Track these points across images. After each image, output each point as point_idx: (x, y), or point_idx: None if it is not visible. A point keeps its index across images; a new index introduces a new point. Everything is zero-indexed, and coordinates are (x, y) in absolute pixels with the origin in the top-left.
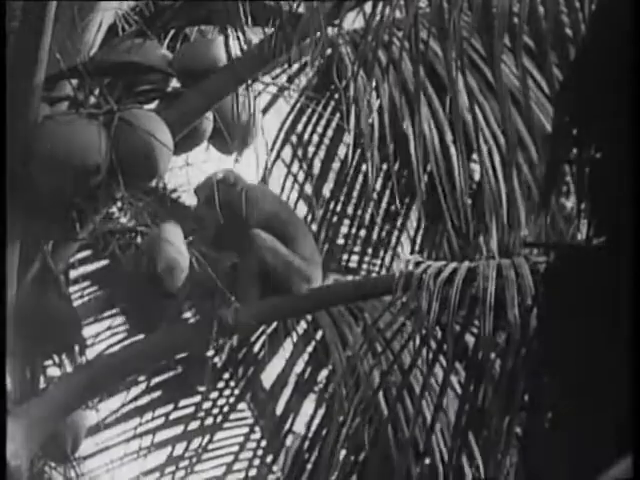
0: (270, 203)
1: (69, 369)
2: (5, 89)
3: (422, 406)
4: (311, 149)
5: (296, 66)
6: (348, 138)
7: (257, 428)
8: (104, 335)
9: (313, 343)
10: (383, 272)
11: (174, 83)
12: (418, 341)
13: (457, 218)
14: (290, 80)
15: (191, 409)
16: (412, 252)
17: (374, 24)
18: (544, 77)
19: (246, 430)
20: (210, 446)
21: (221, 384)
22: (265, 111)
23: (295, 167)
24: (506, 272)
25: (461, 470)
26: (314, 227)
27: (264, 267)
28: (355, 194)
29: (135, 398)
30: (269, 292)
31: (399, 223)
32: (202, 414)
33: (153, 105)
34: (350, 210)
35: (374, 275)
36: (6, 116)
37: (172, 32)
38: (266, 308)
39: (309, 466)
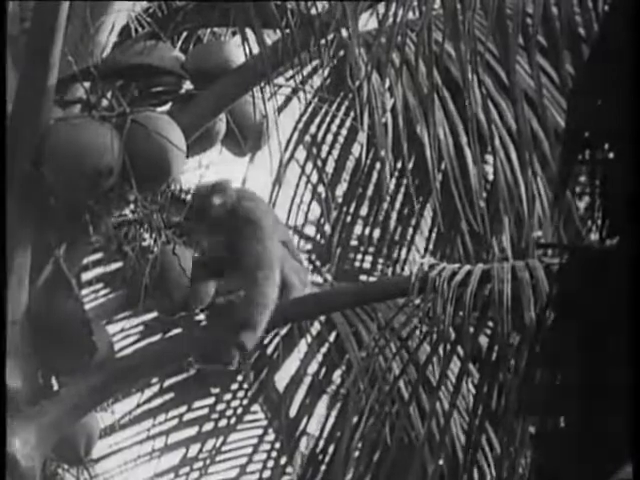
0: (271, 219)
1: (82, 371)
2: (5, 89)
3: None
4: (325, 149)
5: (310, 67)
6: (362, 138)
7: (271, 430)
8: (117, 337)
9: (327, 344)
10: (397, 273)
11: (187, 85)
12: (433, 341)
13: (473, 218)
14: (304, 81)
15: (205, 411)
16: (426, 252)
17: (387, 25)
18: (558, 76)
19: (260, 432)
20: (224, 447)
21: (235, 386)
22: (279, 112)
23: (309, 168)
24: (521, 274)
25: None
26: (327, 228)
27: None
28: (369, 194)
29: (149, 400)
30: None
31: (413, 223)
32: (216, 415)
33: (166, 107)
34: (364, 210)
35: (388, 276)
36: (6, 117)
37: (185, 34)
38: (277, 313)
39: (323, 467)
